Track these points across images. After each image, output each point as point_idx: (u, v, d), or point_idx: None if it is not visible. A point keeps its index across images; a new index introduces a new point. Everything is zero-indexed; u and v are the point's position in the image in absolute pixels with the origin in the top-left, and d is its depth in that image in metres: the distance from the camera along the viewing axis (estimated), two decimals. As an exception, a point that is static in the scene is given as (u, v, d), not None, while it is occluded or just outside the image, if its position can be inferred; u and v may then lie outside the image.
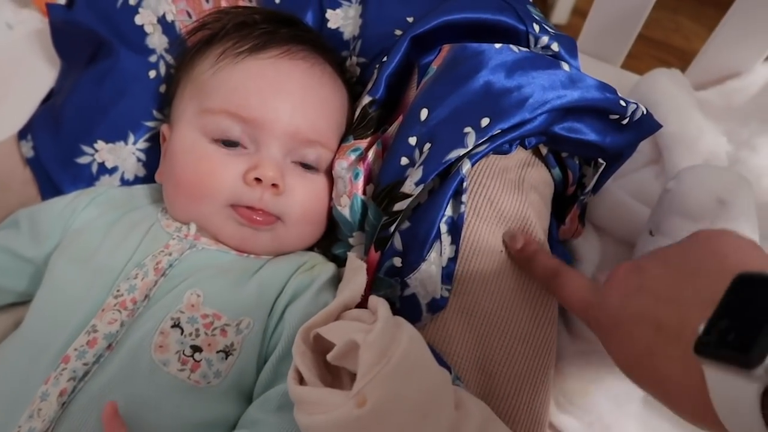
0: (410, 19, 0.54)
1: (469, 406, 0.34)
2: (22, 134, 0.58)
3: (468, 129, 0.44)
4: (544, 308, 0.45)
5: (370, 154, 0.49)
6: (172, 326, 0.41)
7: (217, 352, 0.41)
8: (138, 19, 0.58)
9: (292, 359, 0.40)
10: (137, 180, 0.57)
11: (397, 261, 0.45)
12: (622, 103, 0.47)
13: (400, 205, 0.45)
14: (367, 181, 0.49)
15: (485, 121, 0.44)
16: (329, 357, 0.32)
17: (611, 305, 0.34)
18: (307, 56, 0.51)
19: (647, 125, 0.51)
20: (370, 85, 0.51)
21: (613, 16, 0.70)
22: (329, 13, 0.58)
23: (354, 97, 0.55)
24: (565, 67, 0.47)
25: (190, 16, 0.61)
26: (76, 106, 0.56)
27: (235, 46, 0.49)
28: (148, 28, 0.59)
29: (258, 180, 0.46)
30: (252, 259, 0.48)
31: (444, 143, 0.44)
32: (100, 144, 0.55)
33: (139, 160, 0.57)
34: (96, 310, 0.42)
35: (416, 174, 0.44)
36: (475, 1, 0.50)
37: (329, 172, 0.51)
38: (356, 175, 0.49)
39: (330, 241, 0.53)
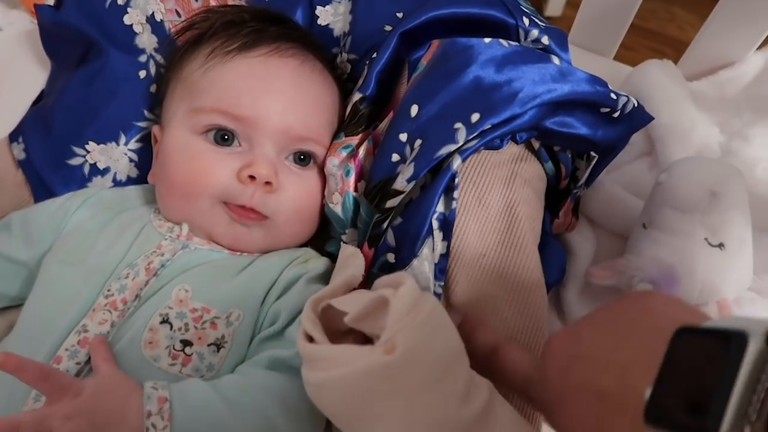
0: (400, 15, 0.54)
1: (478, 378, 0.34)
2: (13, 136, 0.58)
3: (458, 125, 0.44)
4: (535, 304, 0.45)
5: (361, 151, 0.49)
6: (161, 322, 0.41)
7: (208, 345, 0.41)
8: (127, 19, 0.58)
9: (284, 337, 0.41)
10: (130, 181, 0.57)
11: (390, 257, 0.45)
12: (613, 95, 0.47)
13: (392, 202, 0.45)
14: (359, 177, 0.49)
15: (475, 117, 0.44)
16: (348, 318, 0.33)
17: (552, 379, 0.32)
18: (296, 53, 0.51)
19: (639, 118, 0.51)
20: (360, 82, 0.51)
21: (605, 7, 0.70)
22: (319, 10, 0.58)
23: (345, 94, 0.55)
24: (556, 60, 0.47)
25: (179, 15, 0.61)
26: (66, 107, 0.56)
27: (223, 45, 0.49)
28: (137, 28, 0.58)
29: (252, 178, 0.46)
30: (244, 256, 0.48)
31: (434, 139, 0.44)
32: (91, 145, 0.55)
33: (131, 160, 0.57)
34: (87, 310, 0.42)
35: (407, 170, 0.44)
36: (464, -5, 0.50)
37: (322, 170, 0.51)
38: (347, 173, 0.49)
39: (323, 239, 0.54)
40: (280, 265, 0.47)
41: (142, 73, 0.58)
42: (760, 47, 0.65)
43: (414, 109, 0.45)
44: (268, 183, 0.46)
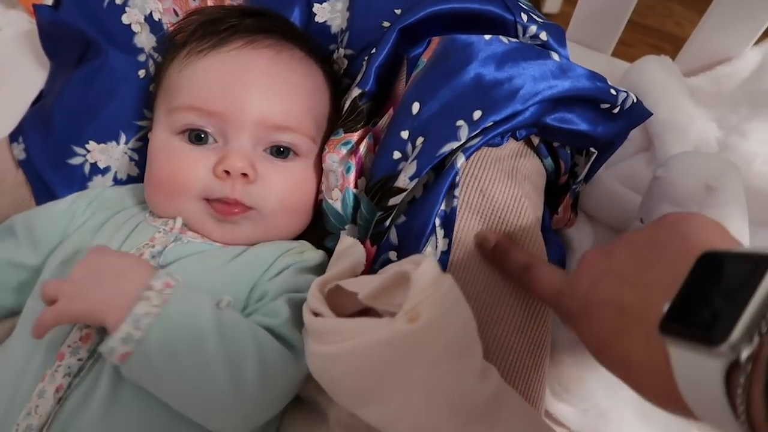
0: (398, 11, 0.54)
1: (488, 364, 0.35)
2: (13, 136, 0.58)
3: (460, 122, 0.44)
4: (539, 300, 0.46)
5: (362, 148, 0.49)
6: None
7: None
8: (125, 18, 0.58)
9: (269, 309, 0.43)
10: (130, 179, 0.57)
11: (393, 255, 0.45)
12: (613, 91, 0.47)
13: (394, 200, 0.45)
14: (359, 174, 0.49)
15: (477, 114, 0.44)
16: (363, 294, 0.33)
17: (580, 291, 0.34)
18: (272, 44, 0.51)
19: (638, 113, 0.51)
20: (359, 78, 0.51)
21: (603, 3, 0.70)
22: (316, 7, 0.58)
23: (342, 90, 0.55)
24: (555, 56, 0.47)
25: (176, 14, 0.61)
26: (66, 107, 0.56)
27: (199, 43, 0.50)
28: (135, 27, 0.58)
29: (227, 172, 0.46)
30: (238, 248, 0.49)
31: (437, 137, 0.44)
32: (91, 144, 0.55)
33: (131, 159, 0.57)
34: None
35: (410, 168, 0.44)
36: (462, -9, 0.50)
37: (308, 161, 0.51)
38: (348, 169, 0.49)
39: (321, 234, 0.54)
40: (274, 254, 0.47)
41: (142, 73, 0.58)
42: (757, 43, 0.65)
43: (415, 107, 0.45)
44: (244, 175, 0.46)
